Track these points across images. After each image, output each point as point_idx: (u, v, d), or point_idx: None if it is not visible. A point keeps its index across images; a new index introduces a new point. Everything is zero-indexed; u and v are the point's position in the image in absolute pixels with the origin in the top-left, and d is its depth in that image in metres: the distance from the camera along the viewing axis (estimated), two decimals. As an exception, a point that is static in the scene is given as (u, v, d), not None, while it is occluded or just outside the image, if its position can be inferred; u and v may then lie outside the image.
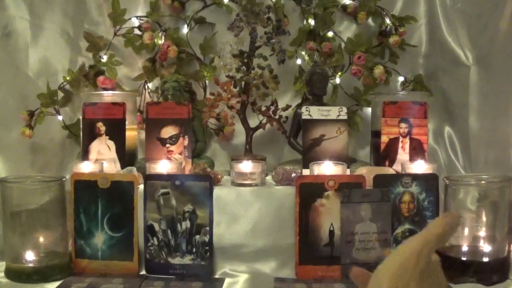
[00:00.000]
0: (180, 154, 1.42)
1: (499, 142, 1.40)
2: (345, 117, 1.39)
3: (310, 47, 1.60)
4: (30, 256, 1.21)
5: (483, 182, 1.24)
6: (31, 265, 1.20)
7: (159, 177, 1.26)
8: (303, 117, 1.39)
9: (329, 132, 1.38)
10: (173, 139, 1.42)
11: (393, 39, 1.58)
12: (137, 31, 1.63)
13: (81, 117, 1.48)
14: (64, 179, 1.26)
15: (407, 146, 1.42)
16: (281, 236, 1.24)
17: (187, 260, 1.22)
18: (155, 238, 1.23)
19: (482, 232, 1.19)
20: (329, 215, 1.20)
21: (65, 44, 1.63)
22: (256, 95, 1.51)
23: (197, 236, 1.22)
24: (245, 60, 1.48)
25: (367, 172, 1.29)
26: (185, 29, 1.65)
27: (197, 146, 1.51)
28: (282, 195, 1.27)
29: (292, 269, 1.22)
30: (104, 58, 1.62)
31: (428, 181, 1.22)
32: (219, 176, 1.34)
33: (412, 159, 1.40)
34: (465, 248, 1.20)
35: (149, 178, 1.25)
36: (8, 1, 1.55)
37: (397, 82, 1.66)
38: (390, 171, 1.36)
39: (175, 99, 1.47)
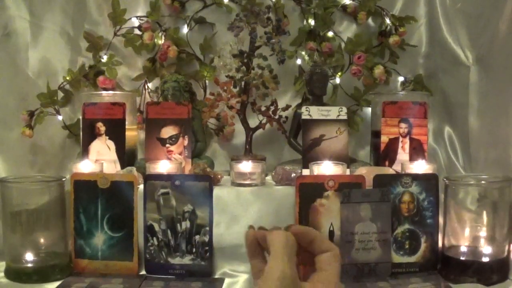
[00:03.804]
0: (180, 154, 1.42)
1: (499, 142, 1.40)
2: (345, 117, 1.39)
3: (310, 47, 1.60)
4: (30, 256, 1.21)
5: (483, 182, 1.24)
6: (31, 265, 1.20)
7: (159, 177, 1.26)
8: (303, 117, 1.39)
9: (329, 132, 1.38)
10: (173, 139, 1.42)
11: (393, 39, 1.58)
12: (137, 31, 1.63)
13: (81, 117, 1.48)
14: (64, 179, 1.26)
15: (407, 146, 1.42)
16: (281, 236, 1.24)
17: (187, 260, 1.22)
18: (155, 238, 1.23)
19: (482, 232, 1.19)
20: (329, 215, 1.20)
21: (65, 44, 1.63)
22: (256, 95, 1.51)
23: (197, 236, 1.22)
24: (245, 60, 1.49)
25: (367, 172, 1.29)
26: (185, 29, 1.65)
27: (197, 146, 1.51)
28: (282, 195, 1.27)
29: (292, 269, 1.22)
30: (104, 58, 1.62)
31: (428, 181, 1.22)
32: (219, 176, 1.34)
33: (412, 159, 1.40)
34: (465, 248, 1.20)
35: (149, 178, 1.25)
36: (8, 1, 1.55)
37: (397, 82, 1.66)
38: (390, 171, 1.36)
39: (175, 99, 1.47)
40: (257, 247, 0.65)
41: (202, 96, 1.65)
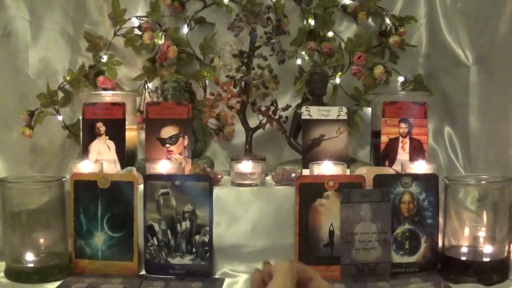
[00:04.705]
0: (180, 154, 1.42)
1: (499, 142, 1.40)
2: (345, 117, 1.39)
3: (310, 47, 1.60)
4: (30, 256, 1.21)
5: (483, 182, 1.24)
6: (31, 265, 1.20)
7: (159, 177, 1.26)
8: (303, 117, 1.39)
9: (329, 132, 1.38)
10: (173, 139, 1.42)
11: (393, 39, 1.58)
12: (137, 31, 1.63)
13: (81, 117, 1.48)
14: (64, 179, 1.26)
15: (407, 146, 1.42)
16: (281, 236, 1.24)
17: (187, 260, 1.22)
18: (155, 238, 1.23)
19: (482, 232, 1.19)
20: (329, 215, 1.20)
21: (65, 44, 1.63)
22: (256, 95, 1.51)
23: (197, 236, 1.22)
24: (245, 60, 1.48)
25: (367, 172, 1.29)
26: (185, 29, 1.65)
27: (197, 146, 1.51)
28: (282, 195, 1.27)
29: (292, 269, 1.22)
30: (104, 58, 1.62)
31: (428, 181, 1.22)
32: (219, 176, 1.34)
33: (412, 159, 1.40)
34: (465, 248, 1.20)
35: (149, 178, 1.25)
36: (8, 1, 1.55)
37: (397, 82, 1.66)
38: (390, 171, 1.36)
39: (175, 99, 1.47)
40: (262, 286, 0.68)
41: (202, 96, 1.65)
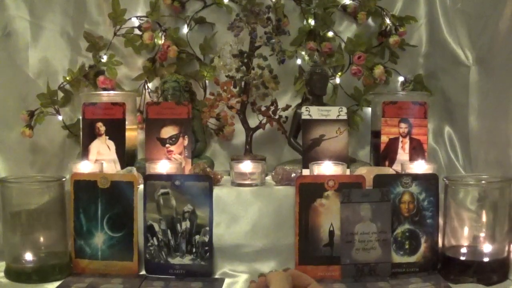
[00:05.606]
0: (180, 154, 1.42)
1: (499, 142, 1.40)
2: (345, 117, 1.39)
3: (310, 47, 1.60)
4: (30, 256, 1.21)
5: (483, 182, 1.24)
6: (31, 265, 1.20)
7: (159, 177, 1.26)
8: (303, 117, 1.39)
9: (329, 132, 1.38)
10: (173, 139, 1.42)
11: (393, 39, 1.58)
12: (137, 31, 1.63)
13: (81, 117, 1.48)
14: (63, 179, 1.26)
15: (407, 146, 1.42)
16: (281, 236, 1.24)
17: (187, 260, 1.22)
18: (155, 238, 1.23)
19: (482, 232, 1.19)
20: (329, 215, 1.20)
21: (65, 44, 1.63)
22: (256, 95, 1.51)
23: (197, 236, 1.22)
24: (245, 60, 1.48)
25: (367, 172, 1.29)
26: (185, 29, 1.65)
27: (197, 146, 1.51)
28: (282, 195, 1.27)
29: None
30: (104, 58, 1.62)
31: (428, 181, 1.22)
32: (219, 176, 1.34)
33: (412, 159, 1.40)
34: (465, 248, 1.20)
35: (149, 178, 1.25)
36: (8, 1, 1.55)
37: (397, 82, 1.66)
38: (390, 171, 1.36)
39: (175, 99, 1.47)
40: None
41: (202, 96, 1.65)
